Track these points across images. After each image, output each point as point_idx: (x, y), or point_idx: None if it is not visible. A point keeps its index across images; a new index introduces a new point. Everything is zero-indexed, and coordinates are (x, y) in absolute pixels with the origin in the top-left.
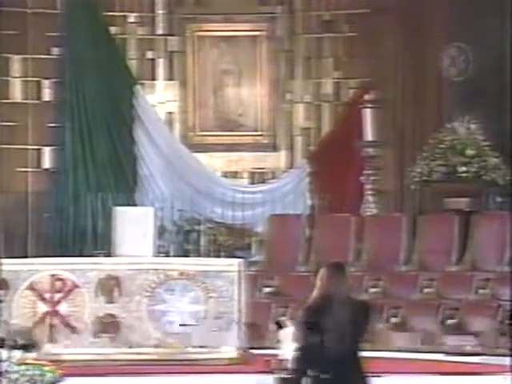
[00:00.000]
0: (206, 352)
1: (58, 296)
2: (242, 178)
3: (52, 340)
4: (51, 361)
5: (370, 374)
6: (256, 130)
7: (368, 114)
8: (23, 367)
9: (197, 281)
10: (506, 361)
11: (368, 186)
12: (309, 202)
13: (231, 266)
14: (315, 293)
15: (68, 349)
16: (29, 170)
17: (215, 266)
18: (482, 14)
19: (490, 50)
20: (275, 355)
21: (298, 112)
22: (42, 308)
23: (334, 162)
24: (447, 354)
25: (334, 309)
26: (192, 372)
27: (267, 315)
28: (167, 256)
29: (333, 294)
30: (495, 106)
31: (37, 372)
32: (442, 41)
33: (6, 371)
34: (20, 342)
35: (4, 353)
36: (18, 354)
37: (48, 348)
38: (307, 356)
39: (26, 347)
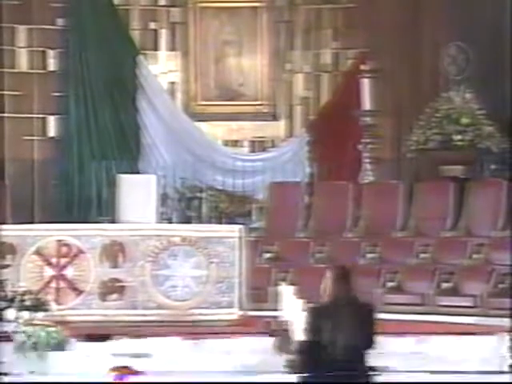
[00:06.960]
0: (208, 314)
1: (63, 261)
2: (243, 146)
3: (58, 302)
4: (57, 322)
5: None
6: (256, 100)
7: (366, 84)
8: (30, 328)
9: (199, 246)
10: (499, 321)
11: (366, 154)
12: (308, 170)
13: (232, 232)
14: (322, 293)
15: (74, 310)
16: (34, 138)
17: (217, 232)
18: None
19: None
20: (275, 317)
21: (298, 82)
22: (49, 272)
23: (333, 131)
24: (442, 315)
25: (340, 311)
26: (194, 333)
27: (267, 280)
28: (170, 222)
29: (338, 297)
30: (490, 74)
31: (43, 333)
32: (440, 8)
33: (14, 332)
34: (28, 302)
35: (12, 313)
36: (25, 314)
37: (54, 309)
38: (312, 356)
39: (33, 308)
